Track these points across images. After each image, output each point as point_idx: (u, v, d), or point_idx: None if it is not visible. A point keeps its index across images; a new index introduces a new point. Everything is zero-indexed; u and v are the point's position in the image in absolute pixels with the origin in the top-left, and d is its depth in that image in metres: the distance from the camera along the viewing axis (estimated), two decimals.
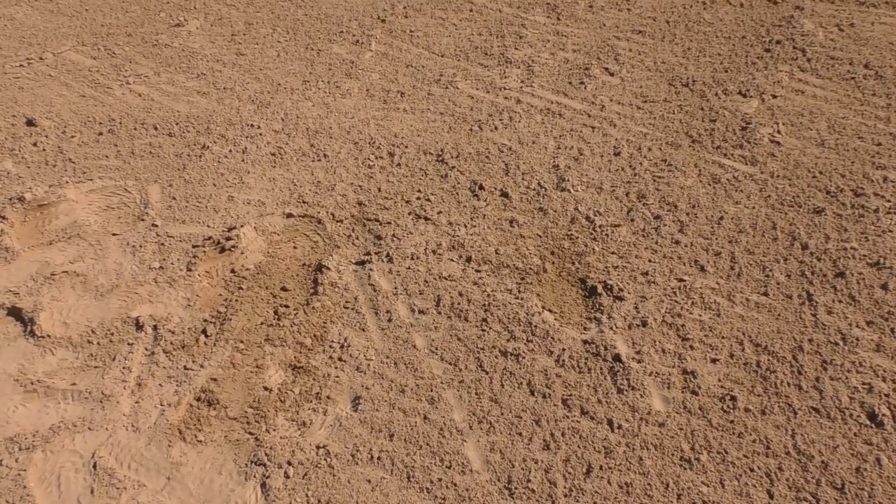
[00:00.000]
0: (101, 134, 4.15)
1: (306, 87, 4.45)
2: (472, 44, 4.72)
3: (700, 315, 2.98)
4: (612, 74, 4.37)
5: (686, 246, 3.29)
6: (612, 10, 4.93)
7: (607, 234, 3.38)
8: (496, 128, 4.05)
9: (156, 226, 3.56)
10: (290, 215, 3.59)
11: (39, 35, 5.05)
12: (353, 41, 4.82)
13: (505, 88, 4.33)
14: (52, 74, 4.66)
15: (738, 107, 4.03)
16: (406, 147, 3.96)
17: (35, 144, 4.08)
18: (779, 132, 3.84)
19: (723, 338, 2.89)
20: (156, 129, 4.18)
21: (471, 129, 4.05)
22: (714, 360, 2.83)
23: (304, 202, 3.66)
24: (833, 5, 4.72)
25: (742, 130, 3.87)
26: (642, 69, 4.38)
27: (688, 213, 3.44)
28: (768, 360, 2.81)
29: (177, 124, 4.20)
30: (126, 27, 5.08)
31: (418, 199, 3.65)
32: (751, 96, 4.09)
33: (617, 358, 2.87)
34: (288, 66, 4.63)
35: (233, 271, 3.32)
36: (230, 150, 4.00)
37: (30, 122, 4.19)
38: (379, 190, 3.71)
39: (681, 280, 3.13)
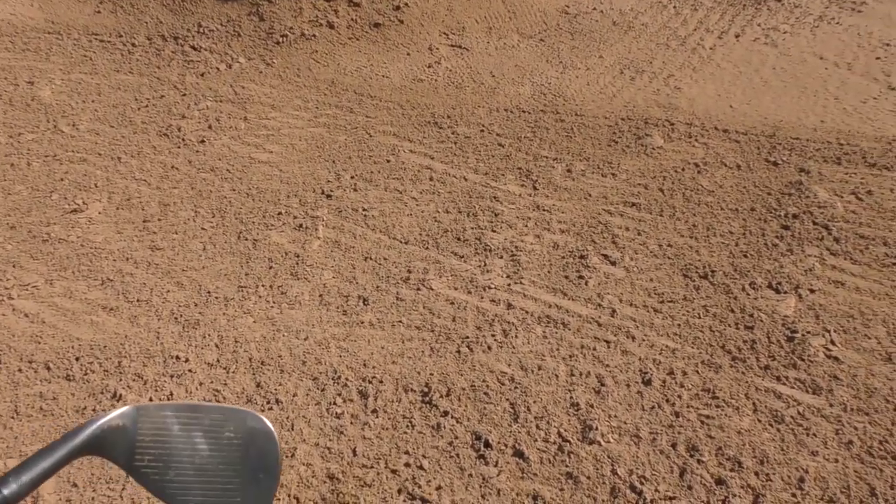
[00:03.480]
0: None
1: (243, 294, 3.56)
2: (439, 225, 3.95)
3: None
4: (613, 263, 3.67)
5: None
6: (594, 176, 4.27)
7: None
8: (489, 347, 3.25)
9: None
10: None
11: None
12: (295, 225, 3.99)
13: (490, 287, 3.55)
14: None
15: (775, 307, 3.36)
16: (381, 382, 3.11)
17: None
18: (833, 343, 3.18)
19: None
20: (48, 369, 3.20)
21: (458, 351, 3.24)
22: None
23: None
24: (841, 167, 4.19)
25: (789, 342, 3.19)
26: (647, 255, 3.69)
27: (758, 474, 2.69)
28: None
29: (77, 360, 3.24)
30: (8, 216, 4.10)
31: (407, 465, 2.79)
32: (785, 292, 3.44)
33: None
34: (217, 265, 3.74)
35: None
36: (150, 399, 3.06)
37: None
38: (354, 453, 2.83)
39: None
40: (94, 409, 3.03)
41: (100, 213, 4.14)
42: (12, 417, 3.00)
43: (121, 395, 3.07)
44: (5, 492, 0.85)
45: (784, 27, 5.73)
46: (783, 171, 4.20)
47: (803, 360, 3.10)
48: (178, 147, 4.69)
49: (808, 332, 3.22)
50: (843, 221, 3.80)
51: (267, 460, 1.06)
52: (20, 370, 3.21)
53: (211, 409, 1.08)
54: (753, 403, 2.94)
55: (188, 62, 5.70)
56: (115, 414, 1.02)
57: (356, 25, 5.84)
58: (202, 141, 4.74)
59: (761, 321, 3.30)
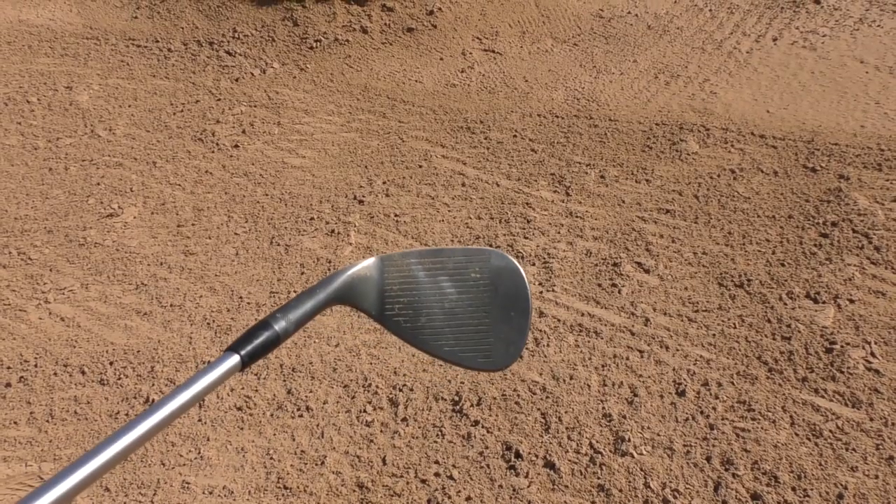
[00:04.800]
0: (9, 385, 3.20)
1: (275, 300, 3.58)
2: (471, 232, 3.93)
3: None
4: (647, 272, 3.62)
5: None
6: (628, 182, 4.22)
7: None
8: (521, 356, 3.21)
9: None
10: None
11: None
12: (327, 231, 3.99)
13: None
14: None
15: (813, 317, 3.29)
16: (411, 390, 3.10)
17: None
18: (873, 355, 3.11)
19: None
20: (83, 373, 3.24)
21: None
22: None
23: (285, 488, 2.75)
24: (882, 173, 4.10)
25: (827, 353, 3.12)
26: (682, 263, 3.64)
27: (795, 489, 2.63)
28: None
29: (111, 364, 3.27)
30: (45, 220, 4.16)
31: (437, 475, 2.77)
32: (823, 302, 3.37)
33: None
34: (250, 270, 3.75)
35: None
36: None
37: None
38: (383, 462, 2.82)
39: None
40: (126, 414, 3.05)
41: (135, 217, 4.19)
42: (47, 421, 3.04)
43: (153, 401, 3.09)
44: (276, 327, 0.89)
45: (823, 30, 5.63)
46: (822, 178, 4.12)
47: (842, 372, 3.04)
48: (213, 152, 4.73)
49: (848, 344, 3.15)
50: (885, 230, 3.72)
51: (517, 298, 1.06)
52: (55, 374, 3.24)
53: (453, 252, 1.07)
54: (791, 416, 2.89)
55: (223, 67, 5.75)
56: (361, 265, 1.04)
57: (389, 30, 5.85)
58: (236, 146, 4.78)
59: (799, 332, 3.23)
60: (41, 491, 0.68)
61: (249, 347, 0.87)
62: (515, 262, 1.08)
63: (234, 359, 0.86)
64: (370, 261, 1.06)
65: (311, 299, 0.97)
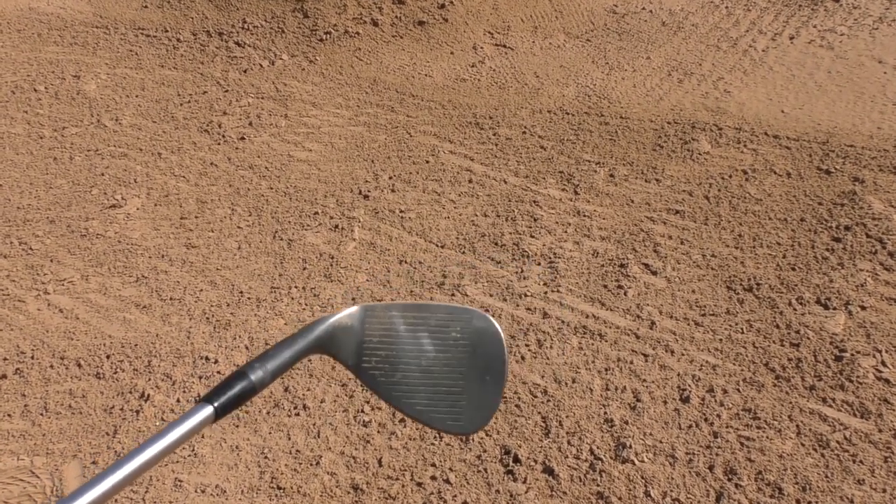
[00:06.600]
0: (4, 377, 3.17)
1: (276, 296, 3.53)
2: (477, 229, 3.87)
3: None
4: (654, 273, 3.55)
5: None
6: (637, 182, 4.14)
7: None
8: (523, 357, 3.17)
9: None
10: None
11: None
12: (330, 226, 3.94)
13: (526, 295, 3.46)
14: None
15: (823, 323, 3.21)
16: None
17: None
18: (884, 364, 3.03)
19: None
20: (79, 366, 3.20)
21: None
22: None
23: (279, 488, 2.70)
24: None
25: (836, 361, 3.05)
26: (690, 265, 3.57)
27: (799, 501, 2.57)
28: None
29: (108, 358, 3.23)
30: (48, 210, 4.13)
31: (434, 479, 2.72)
32: (834, 308, 3.29)
33: None
34: (251, 265, 3.71)
35: None
36: (178, 400, 3.04)
37: None
38: (379, 463, 2.78)
39: None
40: (121, 409, 3.02)
41: (138, 208, 4.15)
42: (41, 414, 3.01)
43: (149, 396, 3.06)
44: (252, 377, 0.88)
45: (841, 29, 5.52)
46: (836, 180, 4.03)
47: (852, 381, 2.96)
48: (218, 144, 4.69)
49: (858, 352, 3.08)
50: None
51: (494, 362, 1.04)
52: (52, 366, 3.21)
53: (437, 308, 1.06)
54: (797, 426, 2.82)
55: (232, 58, 5.70)
56: (344, 313, 1.02)
57: (400, 23, 5.79)
58: (242, 138, 4.73)
59: (808, 338, 3.16)
60: None
61: (224, 399, 0.86)
62: (497, 325, 1.05)
63: (208, 410, 0.84)
64: (352, 309, 1.04)
65: (289, 349, 0.95)
